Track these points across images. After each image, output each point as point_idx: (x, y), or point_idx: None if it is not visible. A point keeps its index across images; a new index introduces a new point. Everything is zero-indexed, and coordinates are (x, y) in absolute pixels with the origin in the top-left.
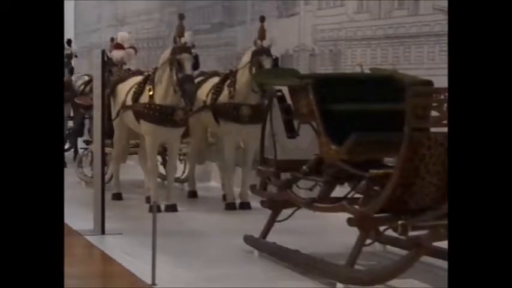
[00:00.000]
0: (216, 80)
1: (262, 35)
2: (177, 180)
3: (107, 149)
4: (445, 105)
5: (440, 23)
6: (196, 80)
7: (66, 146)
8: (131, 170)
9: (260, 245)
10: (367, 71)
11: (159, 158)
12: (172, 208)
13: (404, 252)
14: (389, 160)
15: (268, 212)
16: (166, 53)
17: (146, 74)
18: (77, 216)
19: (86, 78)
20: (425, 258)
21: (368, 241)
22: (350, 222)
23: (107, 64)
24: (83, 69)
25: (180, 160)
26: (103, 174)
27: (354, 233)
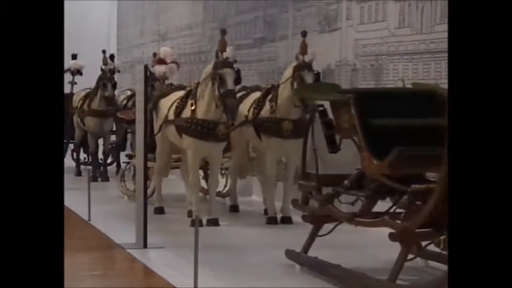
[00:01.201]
0: (257, 94)
1: (304, 49)
2: (219, 194)
3: (149, 163)
4: None
5: None
6: (238, 95)
7: (109, 160)
8: (173, 184)
9: (301, 259)
10: (408, 85)
11: (201, 172)
12: (214, 222)
13: (446, 267)
14: (431, 175)
15: (310, 226)
16: (209, 68)
17: (188, 88)
18: (120, 230)
19: (129, 92)
20: None
21: (410, 256)
22: (392, 237)
23: (150, 79)
24: (126, 84)
25: (222, 174)
26: (145, 188)
27: (395, 248)
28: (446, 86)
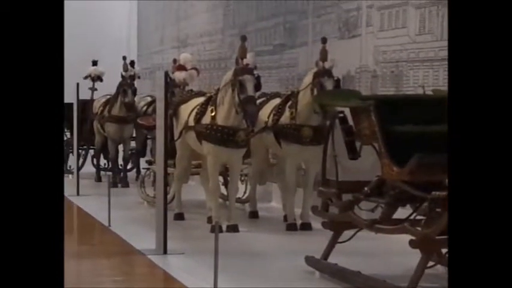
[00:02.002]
0: (277, 101)
1: (324, 56)
2: (239, 200)
3: (169, 169)
4: None
5: None
6: (258, 101)
7: (129, 166)
8: (193, 190)
9: (321, 266)
10: (429, 92)
11: (220, 178)
12: (233, 228)
13: None
14: None
15: (329, 233)
16: (229, 75)
17: (208, 95)
18: (140, 235)
19: (149, 99)
20: None
21: (430, 263)
22: (412, 244)
23: (170, 85)
24: (146, 90)
25: (242, 181)
26: (165, 194)
27: (415, 254)
28: None
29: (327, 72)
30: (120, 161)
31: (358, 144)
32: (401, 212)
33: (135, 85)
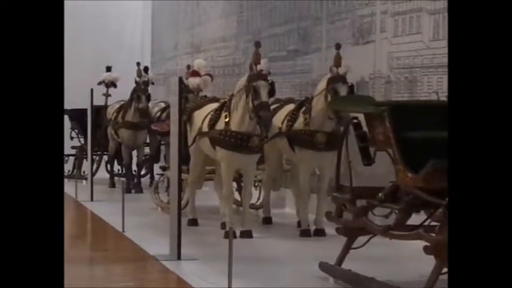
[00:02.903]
0: (291, 107)
1: (337, 62)
2: (252, 206)
3: (183, 175)
4: None
5: None
6: (272, 107)
7: (143, 172)
8: (207, 196)
9: (335, 272)
10: (443, 98)
11: (234, 184)
12: (247, 234)
13: None
14: None
15: (343, 239)
16: (243, 80)
17: (222, 101)
18: (153, 241)
19: (162, 105)
20: None
21: (444, 269)
22: (426, 250)
23: (184, 91)
24: (160, 96)
25: (255, 186)
26: (179, 200)
27: (430, 261)
28: None
29: (341, 78)
30: (134, 167)
31: (372, 150)
32: (416, 218)
33: (149, 91)
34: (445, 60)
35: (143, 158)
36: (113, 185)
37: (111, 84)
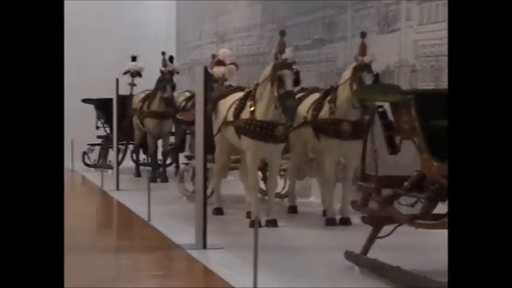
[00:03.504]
0: (316, 96)
1: (363, 50)
2: (277, 195)
3: (208, 164)
4: None
5: None
6: (297, 96)
7: (168, 161)
8: (232, 185)
9: (361, 261)
10: None
11: (259, 173)
12: (272, 223)
13: None
14: None
15: (369, 228)
16: (268, 69)
17: (247, 90)
18: (179, 230)
19: (188, 94)
20: None
21: None
22: None
23: (209, 80)
24: (185, 86)
25: (281, 176)
26: (205, 189)
27: None
28: None
29: (366, 67)
30: (159, 156)
31: (397, 138)
32: (442, 207)
33: (174, 80)
34: None
35: (168, 147)
36: (138, 174)
37: (137, 73)
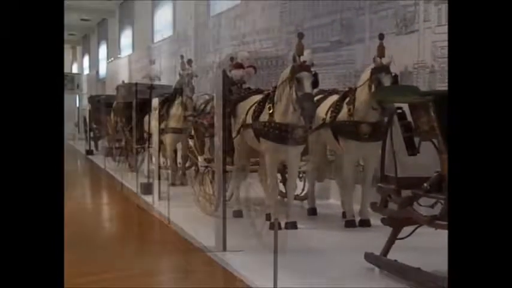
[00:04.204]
0: (335, 97)
1: (381, 52)
2: (297, 197)
3: (228, 167)
4: None
5: None
6: (316, 98)
7: (187, 164)
8: (251, 188)
9: (381, 262)
10: None
11: (278, 175)
12: (292, 225)
13: None
14: None
15: (388, 229)
16: (286, 72)
17: (266, 92)
18: (199, 233)
19: (206, 97)
20: None
21: None
22: None
23: (227, 83)
24: (203, 89)
25: (300, 178)
26: (224, 191)
27: None
28: None
29: (385, 69)
30: (179, 159)
31: (416, 140)
32: None
33: (193, 83)
34: None
35: (188, 150)
36: (157, 177)
37: (156, 77)
